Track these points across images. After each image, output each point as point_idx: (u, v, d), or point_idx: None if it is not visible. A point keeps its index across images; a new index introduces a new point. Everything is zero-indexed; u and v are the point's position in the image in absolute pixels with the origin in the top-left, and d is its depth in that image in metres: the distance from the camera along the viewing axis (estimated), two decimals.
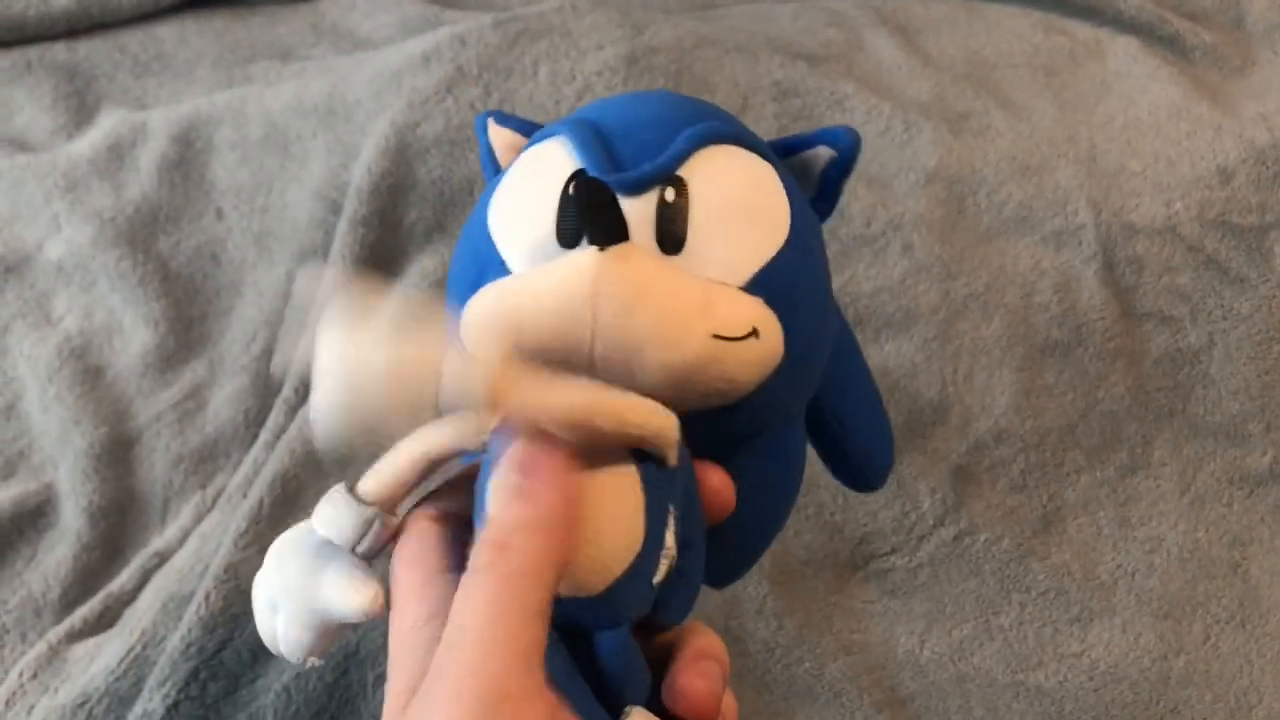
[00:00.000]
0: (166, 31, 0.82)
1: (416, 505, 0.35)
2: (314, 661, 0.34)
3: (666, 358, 0.31)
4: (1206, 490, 0.62)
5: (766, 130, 0.70)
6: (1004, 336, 0.63)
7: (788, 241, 0.34)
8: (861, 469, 0.40)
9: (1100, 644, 0.57)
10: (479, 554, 0.29)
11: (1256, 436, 0.64)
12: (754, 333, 0.32)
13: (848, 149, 0.37)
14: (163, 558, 0.57)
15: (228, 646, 0.51)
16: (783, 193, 0.35)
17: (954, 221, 0.67)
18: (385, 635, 0.36)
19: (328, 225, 0.67)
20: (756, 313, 0.33)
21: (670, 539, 0.32)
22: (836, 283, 0.64)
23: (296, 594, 0.33)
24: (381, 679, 0.50)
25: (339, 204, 0.67)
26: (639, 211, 0.32)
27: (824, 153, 0.37)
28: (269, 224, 0.69)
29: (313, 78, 0.75)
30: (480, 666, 0.27)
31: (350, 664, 0.51)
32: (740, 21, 0.80)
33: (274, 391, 0.63)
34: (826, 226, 0.60)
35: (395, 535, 0.33)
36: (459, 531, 0.33)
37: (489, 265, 0.34)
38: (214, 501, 0.59)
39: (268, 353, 0.64)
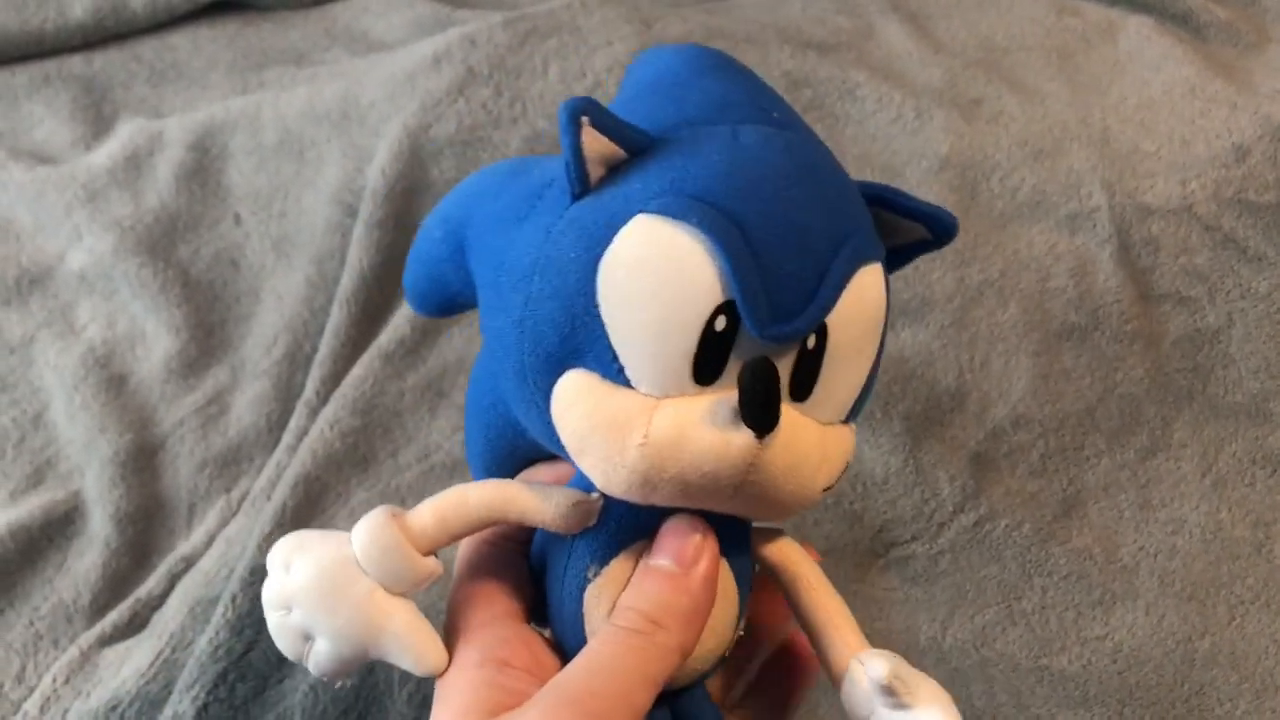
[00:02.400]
0: (181, 40, 0.83)
1: (477, 542, 0.36)
2: (345, 683, 0.35)
3: (783, 517, 0.33)
4: (1228, 470, 0.62)
5: None
6: (1020, 322, 0.63)
7: (879, 349, 0.34)
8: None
9: (1123, 627, 0.57)
10: (631, 619, 0.31)
11: (1278, 415, 0.64)
12: (847, 465, 0.33)
13: (943, 238, 0.34)
14: (189, 562, 0.58)
15: (255, 648, 0.52)
16: (885, 298, 0.33)
17: (968, 208, 0.67)
18: None
19: (344, 229, 0.68)
20: (850, 445, 0.33)
21: (742, 622, 0.35)
22: None
23: (349, 639, 0.33)
24: (406, 679, 0.51)
25: (355, 207, 0.68)
26: (781, 362, 0.31)
27: (918, 231, 0.34)
28: (286, 229, 0.69)
29: (326, 82, 0.75)
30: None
31: (377, 664, 0.52)
32: (750, 12, 0.80)
33: (295, 395, 0.64)
34: None
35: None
36: (519, 567, 0.35)
37: (589, 345, 0.31)
38: (238, 505, 0.60)
39: (288, 357, 0.65)
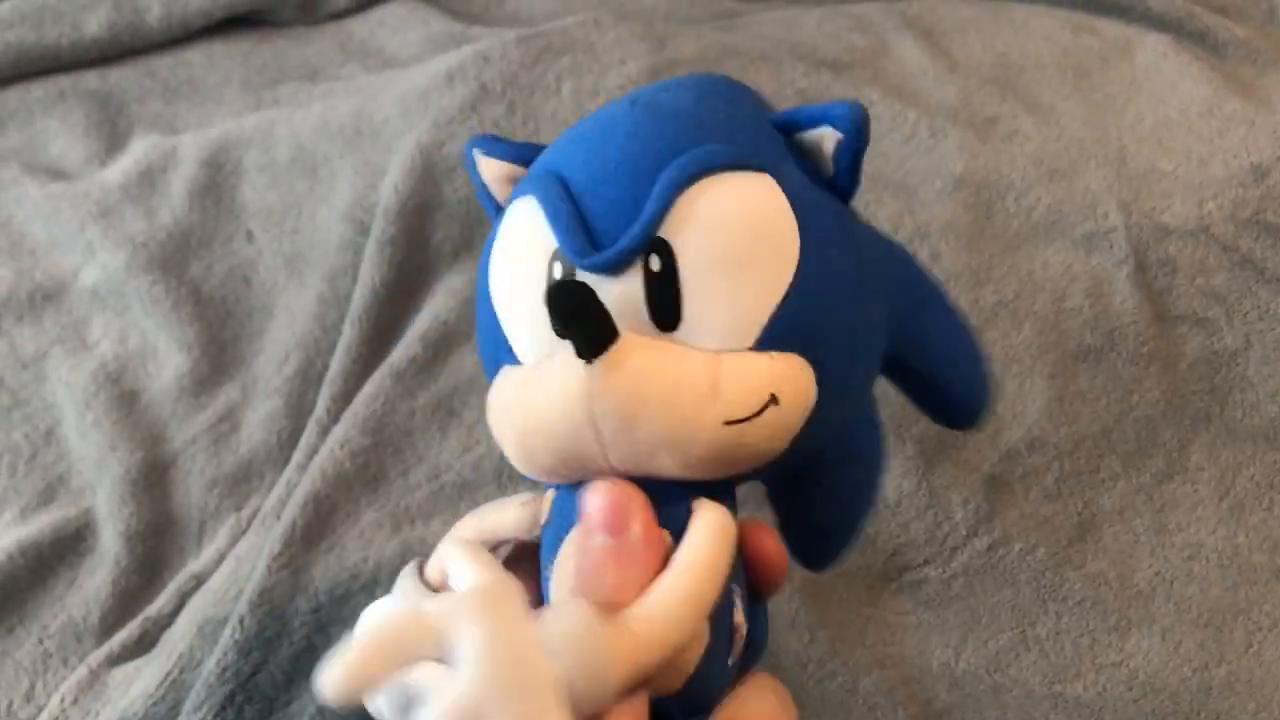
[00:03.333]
0: (195, 55, 0.83)
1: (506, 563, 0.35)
2: None
3: (680, 459, 0.30)
4: (1246, 495, 0.61)
5: None
6: (1035, 343, 0.63)
7: (800, 266, 0.30)
8: (956, 416, 0.37)
9: (1139, 653, 0.56)
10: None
11: None
12: (771, 400, 0.30)
13: (853, 129, 0.32)
14: (199, 580, 0.58)
15: (262, 670, 0.51)
16: (786, 209, 0.30)
17: (982, 228, 0.67)
18: None
19: (357, 246, 0.67)
20: (772, 376, 0.30)
21: (739, 616, 0.31)
22: None
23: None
24: None
25: (367, 225, 0.68)
26: (624, 291, 0.29)
27: (829, 135, 0.32)
28: (299, 246, 0.69)
29: (339, 99, 0.75)
30: None
31: None
32: (764, 30, 0.80)
33: (306, 412, 0.63)
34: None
35: None
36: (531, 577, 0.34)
37: (500, 345, 0.32)
38: (249, 524, 0.60)
39: (300, 374, 0.65)
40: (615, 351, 0.28)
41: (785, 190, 0.31)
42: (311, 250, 0.69)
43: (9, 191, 0.73)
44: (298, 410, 0.64)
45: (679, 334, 0.30)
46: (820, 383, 0.31)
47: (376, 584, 0.54)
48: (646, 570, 0.29)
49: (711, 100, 0.34)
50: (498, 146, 0.35)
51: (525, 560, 0.34)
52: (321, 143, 0.72)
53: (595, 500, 0.30)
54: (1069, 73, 0.77)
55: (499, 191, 0.35)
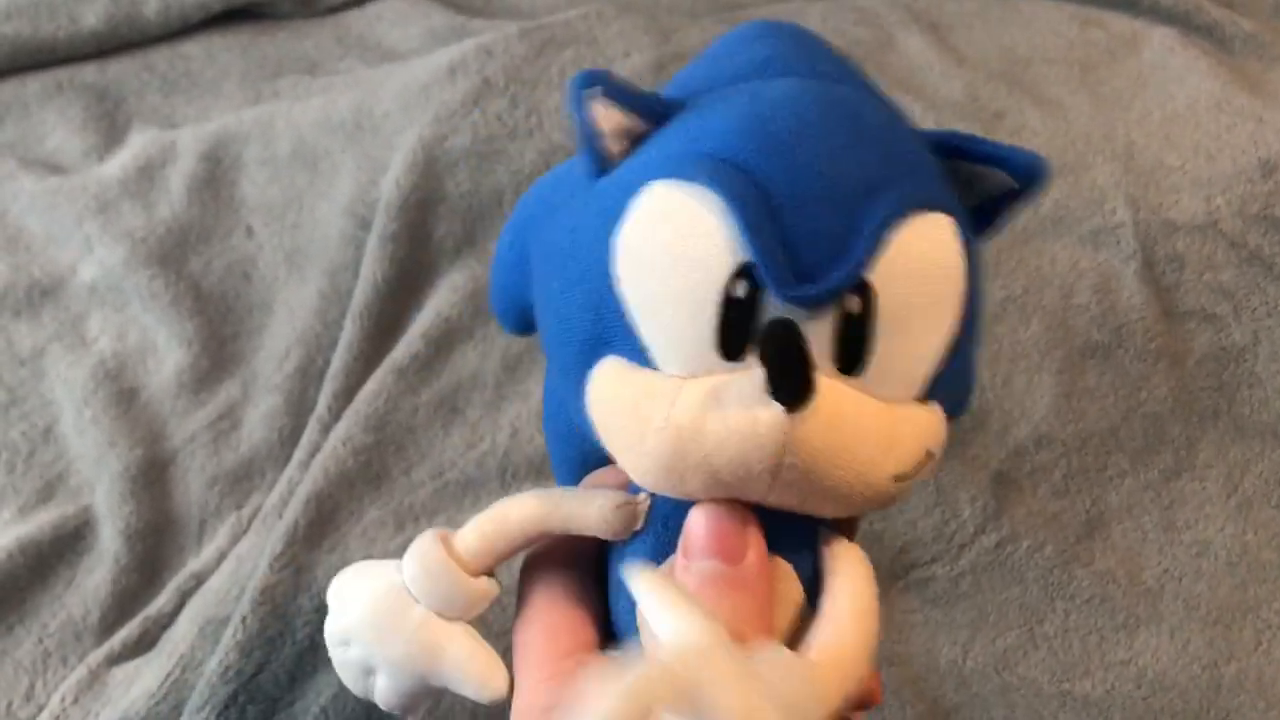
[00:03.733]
0: (194, 49, 0.82)
1: (537, 562, 0.33)
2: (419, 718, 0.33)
3: (848, 506, 0.29)
4: (1254, 492, 0.61)
5: None
6: (1043, 339, 0.62)
7: (961, 321, 0.29)
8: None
9: (1148, 651, 0.56)
10: None
11: None
12: (928, 455, 0.29)
13: (1032, 186, 0.30)
14: (199, 579, 0.57)
15: (265, 670, 0.51)
16: (961, 258, 0.29)
17: None
18: None
19: (358, 241, 0.67)
20: (932, 431, 0.29)
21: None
22: None
23: (407, 669, 0.32)
24: None
25: (369, 220, 0.67)
26: (816, 328, 0.27)
27: (1002, 180, 0.30)
28: (299, 241, 0.69)
29: (340, 93, 0.75)
30: None
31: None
32: None
33: (307, 409, 0.63)
34: None
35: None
36: (587, 592, 0.32)
37: (615, 331, 0.29)
38: (249, 522, 0.59)
39: (301, 371, 0.64)
40: (815, 402, 0.27)
41: (959, 234, 0.29)
42: (312, 245, 0.68)
43: (5, 186, 0.72)
44: (299, 407, 0.63)
45: (858, 381, 0.28)
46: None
47: None
48: (759, 601, 0.29)
49: (879, 101, 0.32)
50: (623, 93, 0.30)
51: (551, 560, 0.33)
52: (322, 137, 0.72)
53: (707, 524, 0.29)
54: (1076, 67, 0.77)
55: (614, 144, 0.31)
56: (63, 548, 0.58)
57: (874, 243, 0.27)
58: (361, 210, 0.68)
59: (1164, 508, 0.60)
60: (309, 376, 0.64)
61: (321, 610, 0.52)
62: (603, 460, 0.32)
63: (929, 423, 0.29)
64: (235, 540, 0.58)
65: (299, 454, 0.60)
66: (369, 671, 0.33)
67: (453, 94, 0.70)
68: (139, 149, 0.73)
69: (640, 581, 0.27)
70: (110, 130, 0.77)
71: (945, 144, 0.31)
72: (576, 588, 0.32)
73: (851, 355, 0.28)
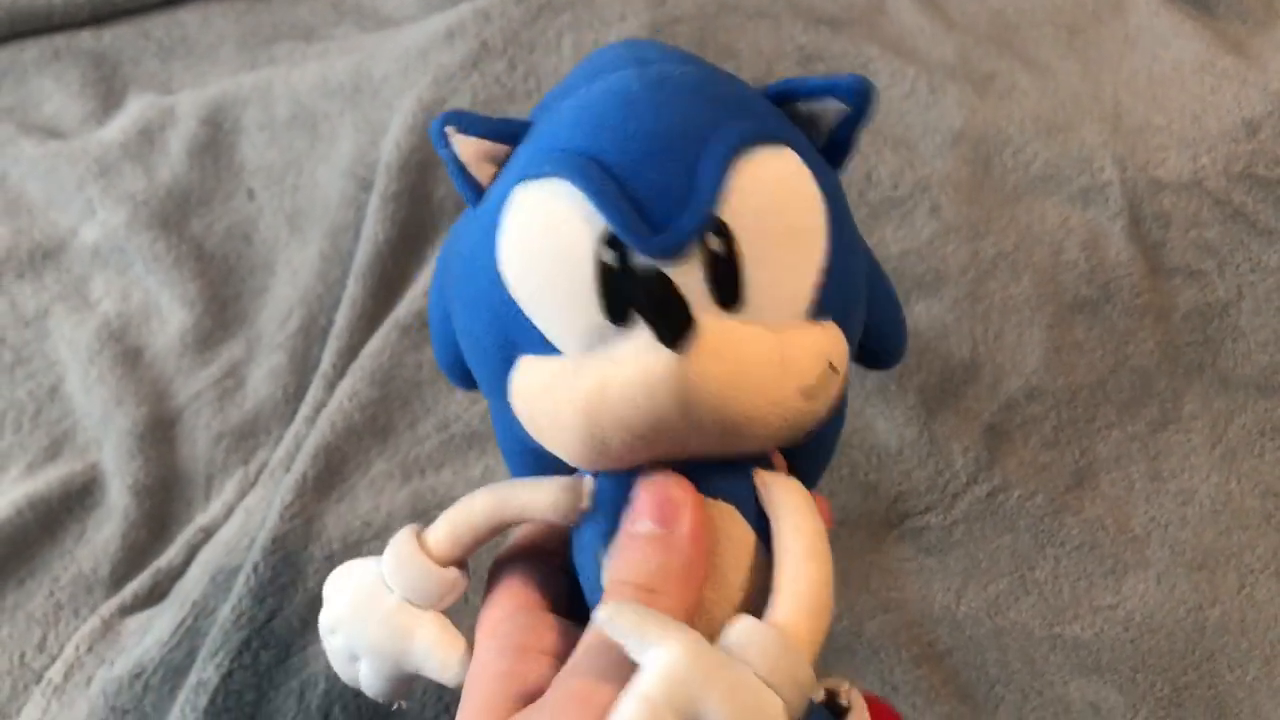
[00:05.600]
0: (190, 15, 0.82)
1: (504, 555, 0.36)
2: (401, 705, 0.36)
3: (764, 432, 0.30)
4: (1238, 442, 0.63)
5: None
6: (1033, 295, 0.64)
7: (830, 237, 0.31)
8: (883, 355, 0.38)
9: (1135, 595, 0.57)
10: (621, 594, 0.29)
11: None
12: (830, 368, 0.31)
13: (861, 103, 0.32)
14: (208, 533, 0.58)
15: (277, 616, 0.52)
16: (813, 184, 0.31)
17: (981, 182, 0.68)
18: None
19: (359, 202, 0.68)
20: (826, 344, 0.31)
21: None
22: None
23: (382, 652, 0.34)
24: None
25: (369, 181, 0.68)
26: (687, 273, 0.29)
27: (834, 106, 0.32)
28: (300, 203, 0.69)
29: (338, 57, 0.75)
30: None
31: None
32: None
33: (311, 368, 0.64)
34: (854, 189, 0.61)
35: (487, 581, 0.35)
36: (545, 570, 0.35)
37: (520, 333, 0.31)
38: (256, 477, 0.60)
39: (303, 330, 0.65)
40: (698, 337, 0.29)
41: (807, 163, 0.31)
42: (313, 207, 0.69)
43: (5, 150, 0.73)
44: (302, 365, 0.64)
45: (739, 312, 0.30)
46: (848, 340, 0.32)
47: (388, 531, 0.54)
48: (688, 564, 0.30)
49: (711, 71, 0.34)
50: (476, 123, 0.33)
51: (520, 558, 0.35)
52: (321, 100, 0.72)
53: (644, 493, 0.31)
54: (1064, 30, 0.78)
55: (480, 171, 0.33)
56: (71, 503, 0.59)
57: (716, 182, 0.29)
58: (361, 172, 0.68)
59: (1151, 458, 0.62)
60: (311, 335, 0.65)
61: (332, 559, 0.54)
62: (559, 468, 0.34)
63: (822, 338, 0.31)
64: (243, 494, 0.59)
65: (304, 410, 0.61)
66: (354, 658, 0.35)
67: (451, 57, 0.70)
68: (138, 113, 0.74)
69: (603, 612, 0.28)
70: (108, 96, 0.78)
71: (778, 91, 0.33)
72: (538, 578, 0.35)
73: (727, 292, 0.29)
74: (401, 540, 0.34)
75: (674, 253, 0.29)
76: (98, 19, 0.81)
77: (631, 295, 0.29)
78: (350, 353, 0.63)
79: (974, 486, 0.59)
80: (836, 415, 0.35)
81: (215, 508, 0.60)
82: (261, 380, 0.64)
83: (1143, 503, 0.60)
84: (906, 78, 0.71)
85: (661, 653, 0.27)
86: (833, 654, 0.55)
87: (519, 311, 0.31)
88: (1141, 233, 0.67)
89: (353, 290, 0.64)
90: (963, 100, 0.70)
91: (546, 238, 0.30)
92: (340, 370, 0.62)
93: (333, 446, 0.58)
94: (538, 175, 0.30)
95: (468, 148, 0.33)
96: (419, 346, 0.62)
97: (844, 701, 0.35)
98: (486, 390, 0.34)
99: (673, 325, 0.28)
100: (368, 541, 0.55)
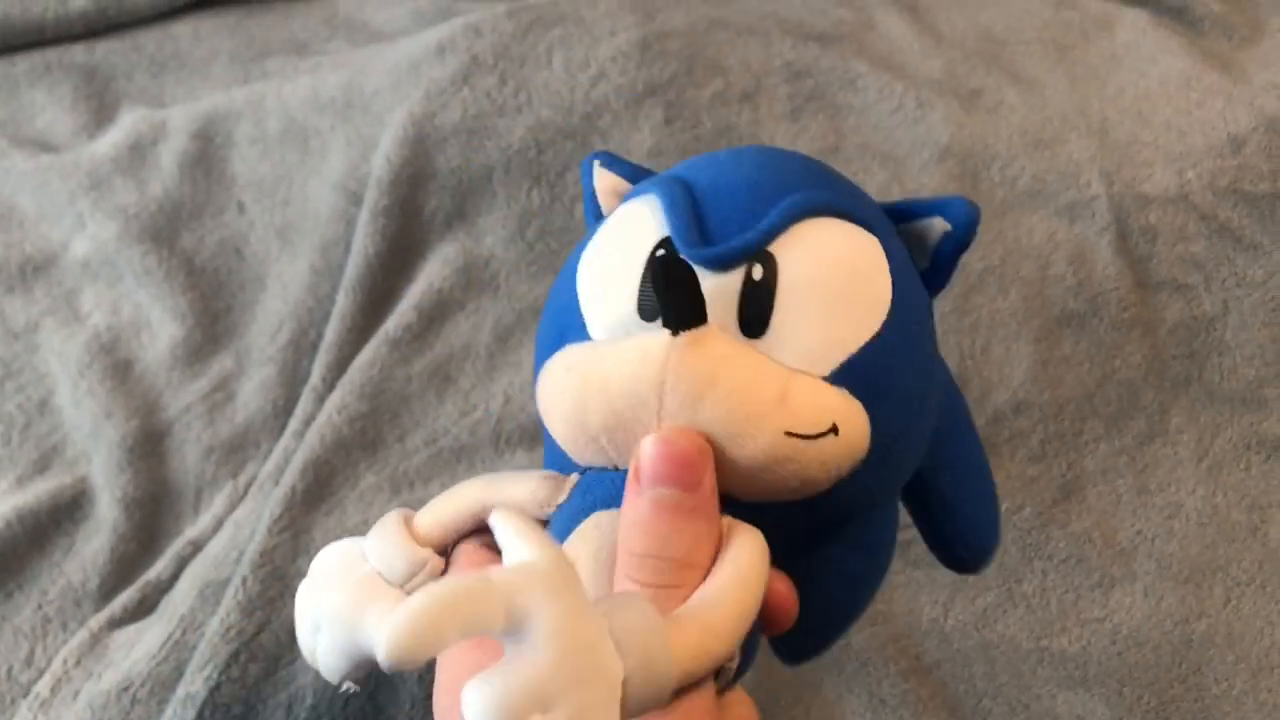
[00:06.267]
0: (182, 30, 0.83)
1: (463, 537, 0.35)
2: (350, 687, 0.34)
3: (733, 453, 0.30)
4: (1224, 456, 0.63)
5: (779, 112, 0.71)
6: (1020, 309, 0.64)
7: (886, 324, 0.31)
8: (962, 552, 0.37)
9: (1122, 609, 0.58)
10: (654, 571, 0.28)
11: (1273, 401, 0.64)
12: (833, 429, 0.30)
13: (964, 224, 0.33)
14: (197, 546, 0.58)
15: (266, 629, 0.52)
16: (886, 270, 0.32)
17: (968, 196, 0.68)
18: None
19: (349, 216, 0.68)
20: (838, 407, 0.30)
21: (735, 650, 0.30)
22: None
23: (340, 623, 0.33)
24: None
25: (359, 195, 0.68)
26: (722, 289, 0.30)
27: (939, 225, 0.34)
28: (291, 217, 0.69)
29: (329, 71, 0.76)
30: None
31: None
32: (751, 3, 0.81)
33: (301, 381, 0.64)
34: None
35: (445, 569, 0.34)
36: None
37: (571, 326, 0.33)
38: (246, 490, 0.60)
39: (293, 343, 0.65)
40: (701, 332, 0.29)
41: (887, 255, 0.32)
42: (303, 221, 0.69)
43: None
44: (292, 379, 0.64)
45: (760, 344, 0.30)
46: (873, 438, 0.31)
47: None
48: (714, 530, 0.29)
49: (834, 170, 0.35)
50: (618, 163, 0.37)
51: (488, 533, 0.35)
52: (312, 114, 0.72)
53: (660, 448, 0.29)
54: (1051, 46, 0.78)
55: (606, 202, 0.37)
56: (60, 517, 0.59)
57: (781, 222, 0.31)
58: (352, 186, 0.69)
59: (1137, 471, 0.62)
60: (301, 349, 0.65)
61: None
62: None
63: (835, 400, 0.30)
64: (232, 508, 0.59)
65: (293, 424, 0.61)
66: (317, 628, 0.34)
67: (442, 71, 0.71)
68: (130, 127, 0.74)
69: (497, 516, 0.28)
70: (100, 110, 0.78)
71: (892, 206, 0.35)
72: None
73: (755, 321, 0.30)
74: (387, 516, 0.34)
75: (715, 264, 0.30)
76: (90, 33, 0.82)
77: (656, 280, 0.30)
78: (339, 366, 0.63)
79: None
80: (863, 539, 0.34)
81: (204, 521, 0.60)
82: (251, 394, 0.64)
83: (1129, 516, 0.61)
84: (894, 93, 0.72)
85: (532, 554, 0.26)
86: (821, 666, 0.55)
87: (578, 304, 0.33)
88: (1128, 247, 0.67)
89: (342, 304, 0.65)
90: (950, 116, 0.71)
91: (620, 239, 0.33)
92: (330, 384, 0.62)
93: (321, 460, 0.58)
94: (639, 194, 0.34)
95: (603, 180, 0.37)
96: (408, 360, 0.62)
97: None
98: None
99: (682, 311, 0.29)
100: None
